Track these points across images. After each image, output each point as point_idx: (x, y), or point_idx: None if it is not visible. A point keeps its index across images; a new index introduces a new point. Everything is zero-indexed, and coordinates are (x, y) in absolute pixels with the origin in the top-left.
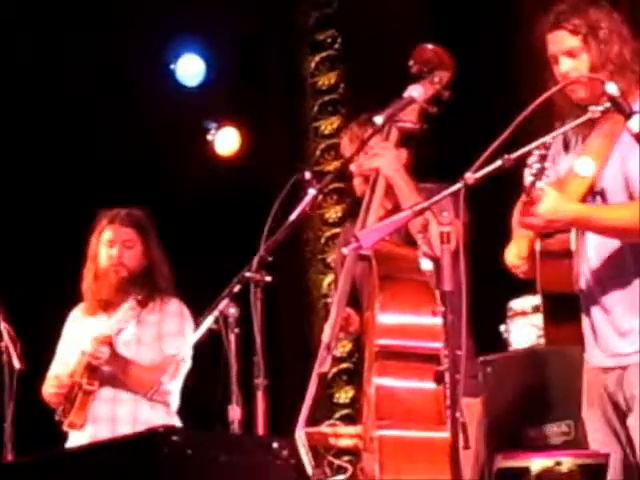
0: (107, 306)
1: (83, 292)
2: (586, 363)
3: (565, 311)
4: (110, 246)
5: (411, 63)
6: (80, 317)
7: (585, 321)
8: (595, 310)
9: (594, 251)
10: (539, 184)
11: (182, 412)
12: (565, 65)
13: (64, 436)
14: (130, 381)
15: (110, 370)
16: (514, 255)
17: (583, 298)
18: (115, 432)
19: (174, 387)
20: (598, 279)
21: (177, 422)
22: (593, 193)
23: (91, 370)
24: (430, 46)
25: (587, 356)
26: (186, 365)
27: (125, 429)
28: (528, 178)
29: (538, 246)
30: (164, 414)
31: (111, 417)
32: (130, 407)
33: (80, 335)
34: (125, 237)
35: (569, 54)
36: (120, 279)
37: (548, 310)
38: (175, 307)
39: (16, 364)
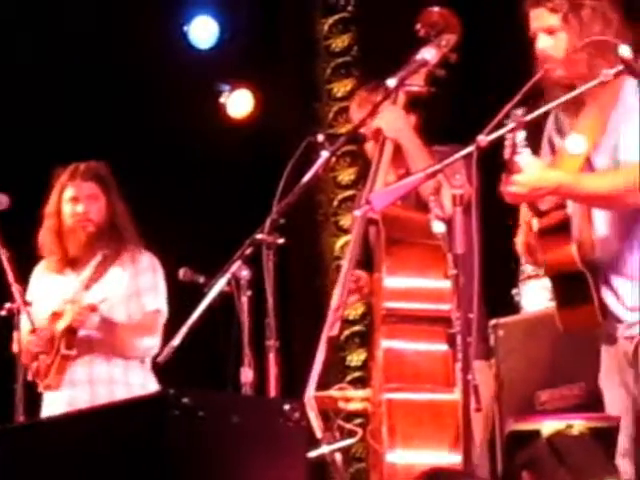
0: (75, 263)
1: (41, 249)
2: (604, 328)
3: (577, 290)
4: (74, 202)
5: (418, 26)
6: (45, 274)
7: (604, 290)
8: (613, 276)
9: (601, 215)
10: (518, 155)
11: (194, 374)
12: (542, 42)
13: (38, 396)
14: (117, 342)
15: (98, 335)
16: (520, 243)
17: (597, 266)
18: (93, 394)
19: (155, 342)
20: (610, 241)
21: (152, 378)
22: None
23: (70, 335)
24: (437, 9)
25: (608, 324)
26: (164, 317)
27: (102, 390)
28: (507, 151)
29: (535, 227)
30: (139, 371)
31: (88, 379)
32: (105, 368)
33: (48, 293)
34: (89, 192)
35: (548, 31)
36: (88, 234)
37: (559, 293)
38: (146, 261)
39: (28, 325)
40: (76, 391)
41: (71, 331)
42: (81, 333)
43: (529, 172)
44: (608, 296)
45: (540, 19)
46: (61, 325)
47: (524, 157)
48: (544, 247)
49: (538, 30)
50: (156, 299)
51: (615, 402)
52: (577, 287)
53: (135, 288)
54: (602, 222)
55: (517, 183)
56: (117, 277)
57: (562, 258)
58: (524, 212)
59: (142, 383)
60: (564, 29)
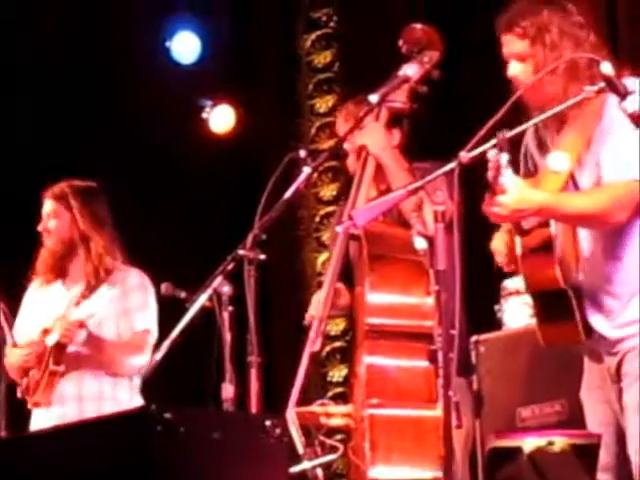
0: (63, 276)
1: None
2: (588, 345)
3: (559, 308)
4: (42, 218)
5: (401, 43)
6: (37, 288)
7: (588, 308)
8: (598, 294)
9: (586, 233)
10: (502, 176)
11: (176, 389)
12: (513, 69)
13: (27, 413)
14: (105, 359)
15: (85, 351)
16: (497, 244)
17: (581, 284)
18: (82, 410)
19: (143, 361)
20: (596, 259)
21: (138, 398)
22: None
23: (59, 351)
24: (419, 26)
25: (592, 340)
26: (153, 337)
27: (91, 407)
28: (490, 171)
29: (519, 246)
30: (127, 390)
31: (77, 396)
32: (94, 384)
33: (38, 305)
34: (50, 209)
35: (518, 58)
36: (50, 251)
37: (541, 309)
38: (136, 280)
39: (10, 342)
40: (65, 408)
41: (60, 347)
42: (70, 349)
43: (512, 193)
44: (593, 314)
45: (510, 45)
46: (50, 341)
47: (507, 177)
48: (526, 266)
49: (509, 56)
50: (145, 318)
51: (596, 417)
52: (559, 304)
53: (124, 307)
54: (587, 240)
55: (500, 204)
56: (106, 295)
57: (545, 277)
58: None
59: (130, 398)
60: (532, 54)
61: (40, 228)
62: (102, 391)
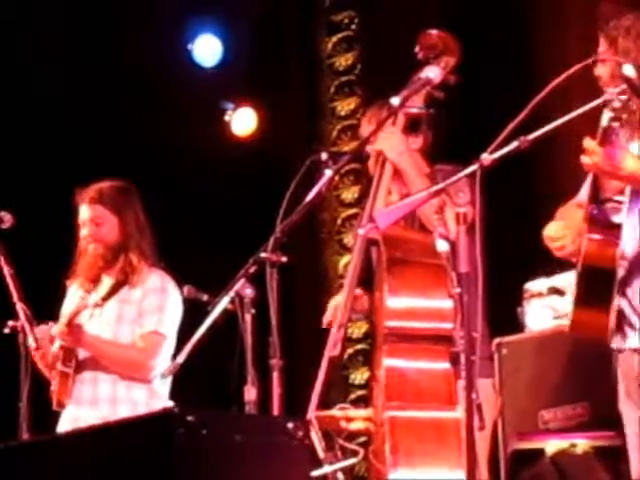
0: (96, 282)
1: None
2: (618, 350)
3: (600, 290)
4: (82, 225)
5: (417, 49)
6: (72, 294)
7: (622, 299)
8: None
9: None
10: (616, 129)
11: (198, 392)
12: (597, 70)
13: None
14: (109, 361)
15: (86, 352)
16: (555, 229)
17: (624, 275)
18: (96, 413)
19: (155, 364)
20: (634, 256)
21: (160, 397)
22: None
23: (66, 352)
24: (435, 32)
25: (619, 341)
26: (168, 341)
27: (105, 410)
28: (606, 117)
29: (589, 209)
30: (145, 392)
31: (92, 398)
32: (109, 387)
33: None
34: (93, 214)
35: (602, 60)
36: (95, 256)
37: (582, 289)
38: (155, 282)
39: (32, 344)
40: (80, 410)
41: (67, 348)
42: (82, 352)
43: (617, 151)
44: (625, 304)
45: (600, 46)
46: (56, 343)
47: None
48: (591, 237)
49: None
50: (157, 321)
51: (634, 427)
52: (602, 286)
53: (139, 310)
54: (630, 238)
55: (604, 156)
56: (125, 298)
57: (603, 253)
58: (571, 212)
59: (147, 401)
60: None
61: (84, 234)
62: (116, 394)
